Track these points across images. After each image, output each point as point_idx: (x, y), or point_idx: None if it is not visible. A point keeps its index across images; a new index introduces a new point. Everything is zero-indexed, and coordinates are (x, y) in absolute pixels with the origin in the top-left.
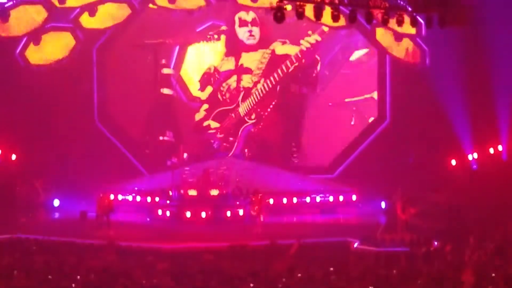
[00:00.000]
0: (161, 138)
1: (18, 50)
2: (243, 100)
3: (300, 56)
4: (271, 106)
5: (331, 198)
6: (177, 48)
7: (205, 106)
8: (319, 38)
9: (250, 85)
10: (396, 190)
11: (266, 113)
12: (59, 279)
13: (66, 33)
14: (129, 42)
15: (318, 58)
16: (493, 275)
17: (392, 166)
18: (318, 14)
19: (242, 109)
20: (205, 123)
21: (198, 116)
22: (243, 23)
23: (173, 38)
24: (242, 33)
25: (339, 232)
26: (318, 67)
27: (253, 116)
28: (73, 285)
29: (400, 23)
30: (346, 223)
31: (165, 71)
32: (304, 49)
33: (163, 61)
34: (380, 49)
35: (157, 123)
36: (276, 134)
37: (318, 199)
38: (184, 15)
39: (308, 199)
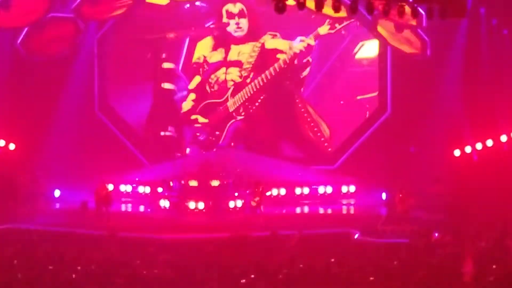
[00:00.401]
0: (162, 133)
1: (19, 41)
2: (233, 95)
3: (293, 58)
4: (259, 101)
5: (331, 189)
6: (187, 42)
7: (192, 95)
8: (312, 43)
9: (239, 79)
10: (396, 181)
11: (254, 107)
12: (59, 269)
13: (68, 23)
14: (131, 32)
15: (310, 60)
16: (494, 266)
17: (392, 158)
18: (320, 4)
19: (231, 104)
20: (193, 117)
21: (186, 106)
22: (230, 15)
23: (174, 32)
24: (229, 25)
25: (340, 224)
26: (307, 70)
27: (242, 112)
28: (73, 275)
29: (401, 13)
30: (347, 214)
31: (166, 65)
32: (298, 51)
33: (164, 55)
34: (381, 40)
35: (159, 118)
36: (264, 129)
37: (319, 190)
38: (190, 10)
39: (308, 190)
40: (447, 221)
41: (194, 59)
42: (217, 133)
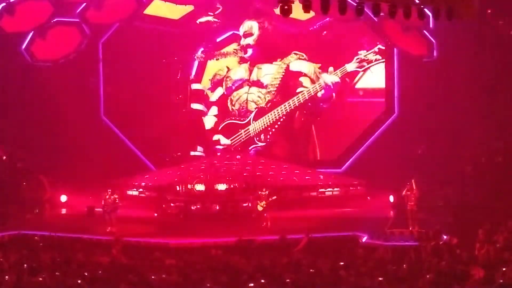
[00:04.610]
0: (192, 153)
1: (24, 46)
2: (255, 118)
3: (318, 91)
4: (277, 125)
5: (339, 192)
6: (197, 62)
7: (214, 109)
8: (337, 79)
9: (262, 102)
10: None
11: (272, 131)
12: (66, 275)
13: (72, 28)
14: (135, 36)
15: (334, 96)
16: (504, 269)
17: (400, 160)
18: (325, 6)
19: (253, 128)
20: (215, 137)
21: (208, 122)
22: (244, 35)
23: (202, 53)
24: (244, 45)
25: (348, 227)
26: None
27: (262, 137)
28: (79, 281)
29: (407, 15)
30: (355, 217)
31: (195, 86)
32: (323, 85)
33: (192, 77)
34: (387, 42)
35: (188, 139)
36: (282, 155)
37: (326, 193)
38: (202, 25)
39: (316, 193)
40: (456, 223)
41: (217, 70)
42: (238, 157)
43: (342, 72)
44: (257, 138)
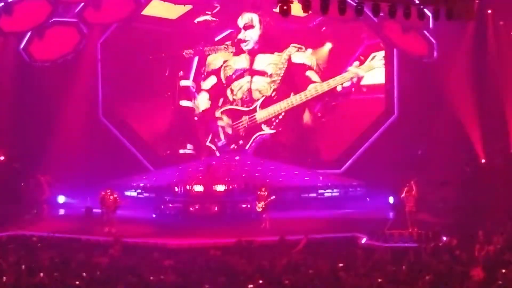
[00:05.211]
0: (181, 151)
1: (22, 46)
2: (262, 106)
3: (340, 84)
4: (282, 114)
5: (338, 193)
6: (196, 59)
7: (206, 94)
8: (361, 74)
9: (267, 91)
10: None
11: (278, 120)
12: (64, 276)
13: (71, 28)
14: (134, 36)
15: (353, 90)
16: (504, 271)
17: (400, 161)
18: (325, 7)
19: (261, 116)
20: (217, 114)
21: (202, 104)
22: (240, 28)
23: (192, 49)
24: (242, 39)
25: (347, 228)
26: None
27: (270, 125)
28: (77, 282)
29: (407, 15)
30: (354, 218)
31: (183, 83)
32: (349, 79)
33: (181, 73)
34: (387, 42)
35: (177, 136)
36: (288, 142)
37: (325, 194)
38: (200, 25)
39: (315, 194)
40: (456, 224)
41: (211, 60)
42: (240, 142)
43: (369, 68)
44: (265, 125)
